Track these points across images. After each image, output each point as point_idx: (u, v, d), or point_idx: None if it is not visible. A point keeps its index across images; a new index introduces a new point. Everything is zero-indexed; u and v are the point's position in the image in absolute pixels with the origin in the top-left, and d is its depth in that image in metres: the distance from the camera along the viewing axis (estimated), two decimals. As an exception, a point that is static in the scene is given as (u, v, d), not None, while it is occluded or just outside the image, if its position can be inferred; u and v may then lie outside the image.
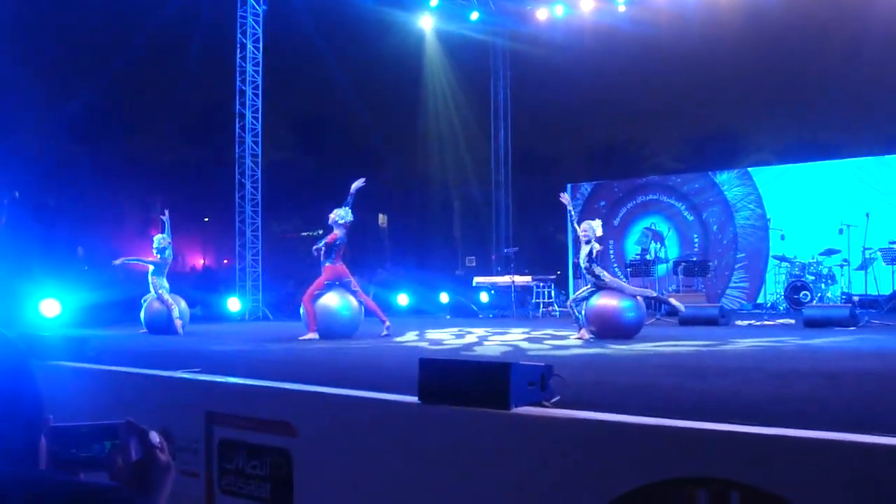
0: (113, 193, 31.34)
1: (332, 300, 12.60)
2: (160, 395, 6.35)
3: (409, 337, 12.39)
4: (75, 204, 27.72)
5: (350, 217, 12.93)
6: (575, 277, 23.35)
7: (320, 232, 13.01)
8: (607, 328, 11.15)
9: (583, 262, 11.62)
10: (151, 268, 14.61)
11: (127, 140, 32.90)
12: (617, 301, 11.16)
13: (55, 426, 1.96)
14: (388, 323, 12.79)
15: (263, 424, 5.45)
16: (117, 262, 15.30)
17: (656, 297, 13.43)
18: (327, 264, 12.74)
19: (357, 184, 12.98)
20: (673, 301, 12.74)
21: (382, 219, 35.01)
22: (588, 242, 11.56)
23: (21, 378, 1.78)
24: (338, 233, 12.83)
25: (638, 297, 11.46)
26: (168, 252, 14.82)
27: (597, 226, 11.71)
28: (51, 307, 15.52)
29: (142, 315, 14.68)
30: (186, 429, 5.91)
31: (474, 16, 24.97)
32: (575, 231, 12.05)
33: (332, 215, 12.92)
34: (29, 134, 29.05)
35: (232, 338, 13.15)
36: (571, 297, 12.95)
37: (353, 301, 12.74)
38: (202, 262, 38.72)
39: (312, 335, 12.20)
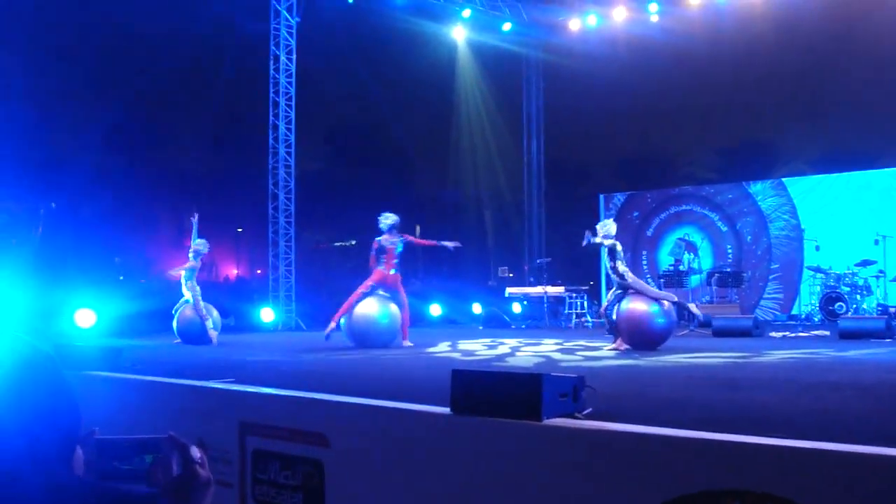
0: (148, 204, 31.62)
1: (371, 307, 12.66)
2: (194, 406, 6.39)
3: (442, 347, 12.40)
4: (111, 214, 27.96)
5: (390, 220, 13.11)
6: (607, 288, 23.29)
7: (353, 242, 13.13)
8: (636, 334, 11.09)
9: (607, 262, 11.65)
10: (183, 273, 14.63)
11: (162, 151, 33.20)
12: (646, 307, 11.11)
13: (99, 438, 1.99)
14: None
15: (296, 435, 5.47)
16: (173, 272, 15.30)
17: (677, 301, 13.22)
18: (377, 268, 12.91)
19: (451, 244, 13.34)
20: (692, 308, 12.65)
21: (417, 230, 35.06)
22: (607, 237, 11.63)
23: (57, 390, 1.80)
24: (383, 237, 13.05)
25: (664, 303, 11.39)
26: (200, 255, 14.83)
27: (610, 224, 11.86)
28: (86, 317, 15.66)
29: (174, 324, 14.77)
30: (220, 439, 5.94)
31: (506, 27, 25.01)
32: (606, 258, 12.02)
33: None
34: (65, 144, 29.34)
35: (265, 348, 13.20)
36: (604, 304, 12.90)
37: (393, 309, 12.79)
38: (235, 272, 38.93)
39: (332, 326, 12.45)
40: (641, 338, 11.01)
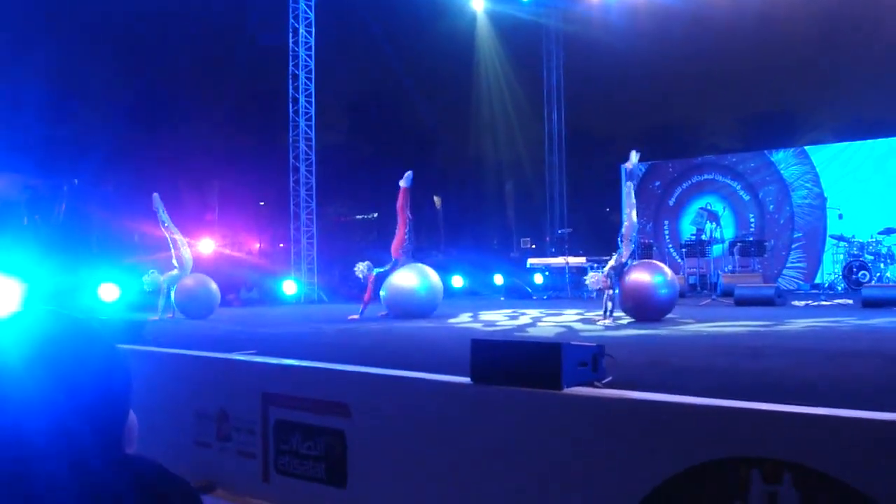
0: (170, 179, 31.70)
1: (410, 279, 12.96)
2: (217, 377, 6.43)
3: (463, 318, 12.43)
4: (133, 190, 28.05)
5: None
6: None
7: (375, 215, 13.25)
8: (639, 305, 10.97)
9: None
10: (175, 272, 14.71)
11: (183, 126, 33.21)
12: (650, 277, 10.99)
13: None
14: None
15: (318, 405, 5.50)
16: None
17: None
18: None
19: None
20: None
21: (437, 201, 35.01)
22: None
23: (110, 361, 1.79)
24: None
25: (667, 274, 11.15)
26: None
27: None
28: (109, 292, 15.77)
29: (172, 297, 14.52)
30: (243, 410, 5.99)
31: (526, -4, 24.91)
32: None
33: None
34: (87, 121, 29.42)
35: (288, 320, 13.27)
36: None
37: (433, 281, 13.11)
38: (258, 245, 39.06)
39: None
40: (645, 308, 10.90)
